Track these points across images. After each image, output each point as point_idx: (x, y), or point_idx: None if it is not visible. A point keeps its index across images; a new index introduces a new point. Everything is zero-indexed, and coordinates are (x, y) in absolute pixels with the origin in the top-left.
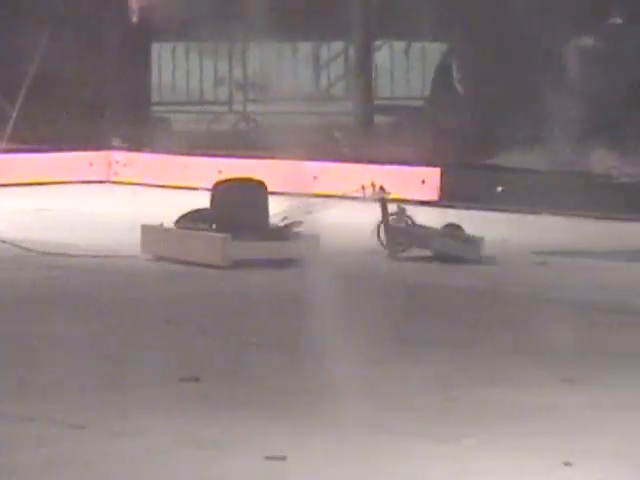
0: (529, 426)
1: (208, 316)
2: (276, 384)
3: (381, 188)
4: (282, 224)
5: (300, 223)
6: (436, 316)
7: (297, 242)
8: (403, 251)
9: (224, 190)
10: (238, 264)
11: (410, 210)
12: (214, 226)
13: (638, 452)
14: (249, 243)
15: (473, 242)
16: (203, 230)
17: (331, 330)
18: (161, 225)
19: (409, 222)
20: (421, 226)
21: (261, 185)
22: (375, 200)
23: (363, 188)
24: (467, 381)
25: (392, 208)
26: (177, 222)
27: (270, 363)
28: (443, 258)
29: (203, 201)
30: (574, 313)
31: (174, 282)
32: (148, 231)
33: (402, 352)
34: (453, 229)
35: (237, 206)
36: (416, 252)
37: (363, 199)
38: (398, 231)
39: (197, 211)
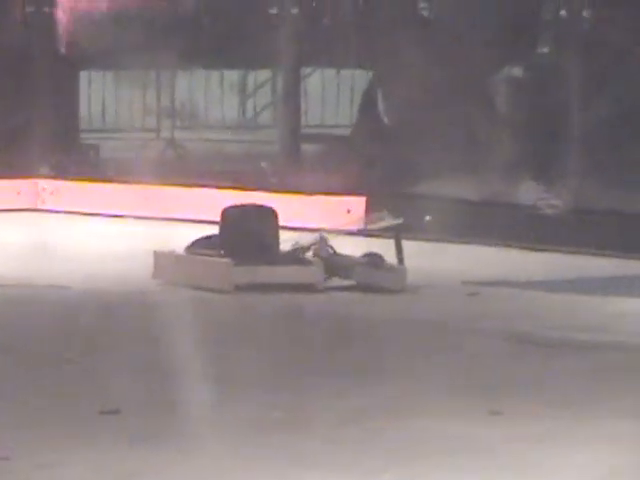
0: (451, 459)
1: (132, 346)
2: (196, 415)
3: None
4: (291, 250)
5: (308, 250)
6: (359, 347)
7: (302, 268)
8: (325, 280)
9: (232, 216)
10: (241, 289)
11: (335, 239)
12: (222, 252)
13: None
14: (253, 268)
15: (395, 271)
16: (211, 256)
17: (254, 361)
18: (173, 251)
19: (330, 251)
20: (342, 255)
21: (271, 211)
22: (388, 226)
23: (368, 215)
24: (389, 413)
25: (313, 237)
26: (188, 248)
27: (190, 393)
28: (364, 288)
29: (131, 229)
30: (502, 343)
31: (107, 311)
32: (160, 257)
33: (322, 384)
34: (374, 258)
35: (245, 232)
36: (337, 282)
37: (371, 226)
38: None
39: (207, 237)
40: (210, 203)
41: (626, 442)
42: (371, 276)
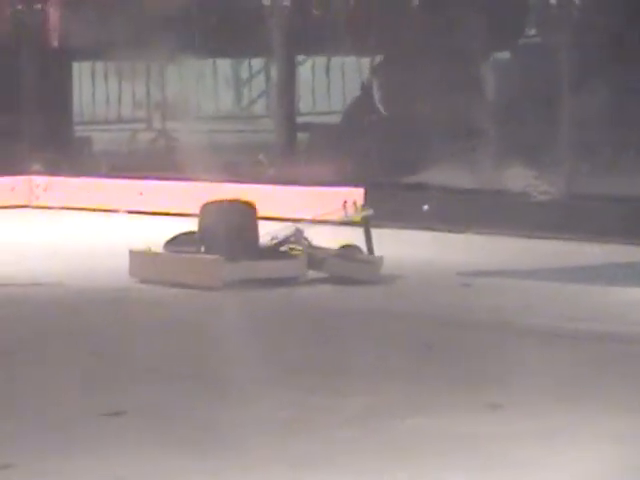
0: (452, 457)
1: (133, 346)
2: (199, 418)
3: (363, 206)
4: (272, 244)
5: (289, 243)
6: (351, 344)
7: (288, 262)
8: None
9: (212, 211)
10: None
11: (315, 231)
12: (203, 248)
13: None
14: (241, 264)
15: (368, 262)
16: (192, 253)
17: (251, 362)
18: (149, 249)
19: (306, 243)
20: (316, 247)
21: (250, 206)
22: (359, 218)
23: (344, 207)
24: (387, 411)
25: (289, 230)
26: (165, 245)
27: (193, 395)
28: (337, 280)
29: (124, 223)
30: (499, 336)
31: (102, 310)
32: (135, 256)
33: (321, 384)
34: (348, 250)
35: (226, 227)
36: (312, 274)
37: (345, 217)
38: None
39: (185, 234)
40: (204, 196)
41: (629, 437)
42: (343, 268)
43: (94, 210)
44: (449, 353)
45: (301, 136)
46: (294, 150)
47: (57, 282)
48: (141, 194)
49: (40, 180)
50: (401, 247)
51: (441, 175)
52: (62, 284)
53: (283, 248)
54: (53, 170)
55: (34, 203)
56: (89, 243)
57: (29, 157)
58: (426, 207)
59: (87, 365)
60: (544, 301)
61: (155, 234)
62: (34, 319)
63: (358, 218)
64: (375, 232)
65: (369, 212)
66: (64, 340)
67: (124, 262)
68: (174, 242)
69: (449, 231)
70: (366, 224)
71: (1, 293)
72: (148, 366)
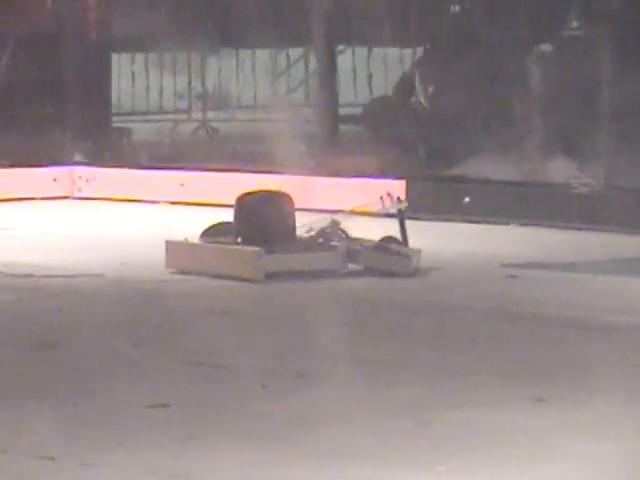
0: (500, 450)
1: (174, 337)
2: (248, 410)
3: (398, 199)
4: (310, 236)
5: (327, 234)
6: (397, 335)
7: (327, 254)
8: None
9: (250, 203)
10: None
11: (355, 223)
12: (240, 239)
13: (607, 474)
14: (279, 256)
15: (405, 255)
16: (229, 244)
17: (297, 353)
18: (186, 240)
19: (343, 236)
20: (353, 239)
21: (287, 197)
22: (395, 211)
23: (382, 199)
24: (436, 404)
25: (325, 222)
26: (202, 236)
27: (240, 386)
28: (373, 272)
29: (166, 214)
30: (542, 329)
31: (141, 302)
32: (172, 247)
33: (367, 374)
34: (388, 242)
35: (264, 219)
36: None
37: (383, 209)
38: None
39: (220, 224)
40: (245, 187)
41: None
42: (379, 260)
43: (135, 201)
44: (494, 345)
45: (342, 127)
46: (335, 141)
47: (98, 273)
48: (182, 185)
49: (82, 171)
50: (443, 239)
51: (483, 167)
52: (103, 275)
53: (321, 240)
54: (95, 161)
55: (76, 194)
56: (130, 234)
57: (71, 148)
58: (467, 199)
59: (130, 357)
60: (585, 293)
61: (195, 225)
62: (76, 310)
63: (395, 210)
64: (416, 224)
65: (404, 205)
66: (106, 331)
67: (164, 253)
68: (210, 233)
69: (491, 223)
70: (401, 217)
71: (43, 284)
72: (192, 358)
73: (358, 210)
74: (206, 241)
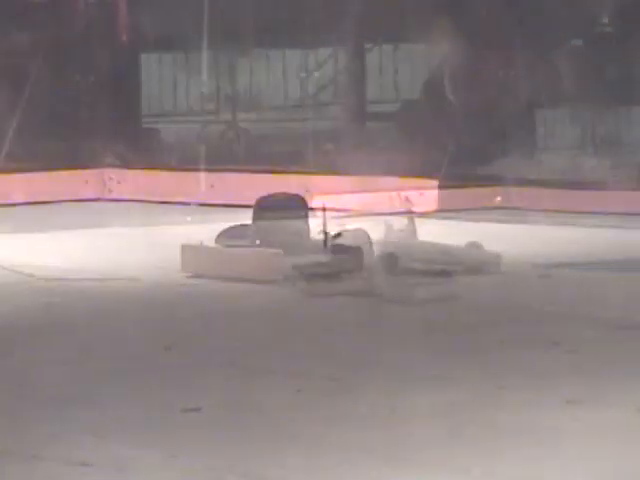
0: (535, 451)
1: (209, 340)
2: (281, 414)
3: (407, 199)
4: (323, 237)
5: (340, 236)
6: (424, 335)
7: (344, 255)
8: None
9: (267, 206)
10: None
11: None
12: (258, 242)
13: None
14: (299, 257)
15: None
16: (247, 246)
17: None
18: (201, 243)
19: (402, 237)
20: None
21: (301, 200)
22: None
23: (393, 200)
24: (473, 405)
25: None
26: (217, 239)
27: (275, 389)
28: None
29: (199, 216)
30: (576, 328)
31: (175, 305)
32: (188, 250)
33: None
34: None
35: (281, 222)
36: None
37: (391, 208)
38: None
39: (235, 228)
40: (275, 187)
41: None
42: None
43: (165, 202)
44: (527, 346)
45: (371, 125)
46: (363, 139)
47: (130, 277)
48: (212, 187)
49: (113, 173)
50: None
51: (515, 166)
52: (135, 278)
53: (339, 241)
54: (126, 163)
55: (106, 195)
56: (160, 236)
57: (102, 150)
58: (499, 199)
59: (163, 360)
60: (618, 292)
61: (225, 226)
62: (108, 313)
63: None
64: (447, 224)
65: (411, 205)
66: (139, 335)
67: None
68: (226, 235)
69: (522, 222)
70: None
71: (75, 287)
72: (223, 360)
73: (366, 210)
74: (223, 244)
